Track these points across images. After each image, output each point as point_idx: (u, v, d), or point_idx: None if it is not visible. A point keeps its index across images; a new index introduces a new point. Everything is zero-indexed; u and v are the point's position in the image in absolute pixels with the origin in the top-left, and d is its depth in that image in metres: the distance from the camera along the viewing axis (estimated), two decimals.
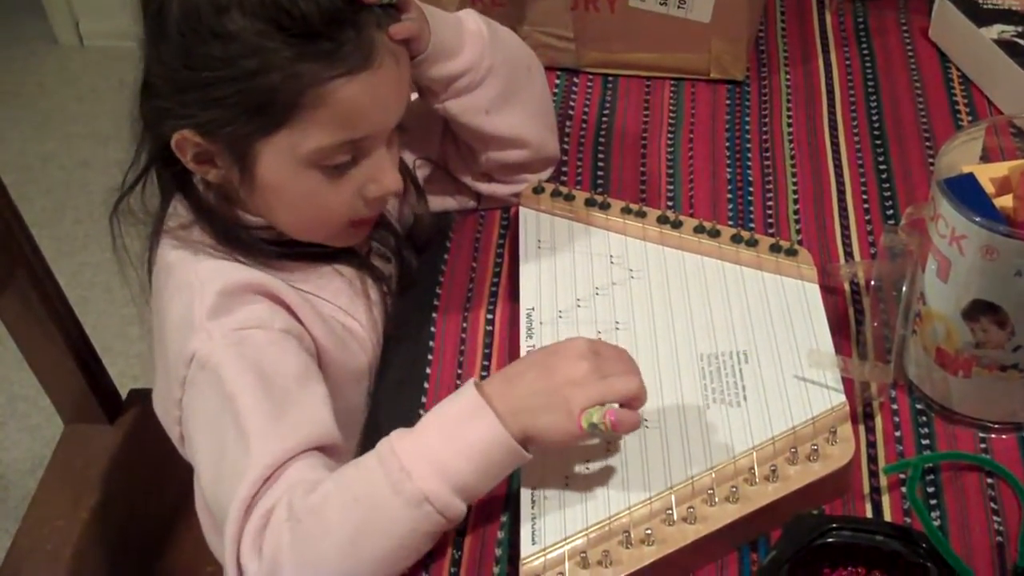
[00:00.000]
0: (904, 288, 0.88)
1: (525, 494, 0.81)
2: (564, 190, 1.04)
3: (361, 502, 0.74)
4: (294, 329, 0.86)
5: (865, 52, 1.22)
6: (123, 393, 1.31)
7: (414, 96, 0.95)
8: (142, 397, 1.24)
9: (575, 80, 1.22)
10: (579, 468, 0.82)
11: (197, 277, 0.86)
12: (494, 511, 0.83)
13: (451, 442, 0.75)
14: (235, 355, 0.82)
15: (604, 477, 0.81)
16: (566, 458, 0.82)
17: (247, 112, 0.81)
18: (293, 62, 0.80)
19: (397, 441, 0.76)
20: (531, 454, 0.77)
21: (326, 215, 0.89)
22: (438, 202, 1.06)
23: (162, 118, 0.84)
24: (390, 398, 0.94)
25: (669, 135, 1.15)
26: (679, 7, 1.15)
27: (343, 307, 0.93)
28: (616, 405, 0.77)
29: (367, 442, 0.90)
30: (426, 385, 0.93)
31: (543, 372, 0.78)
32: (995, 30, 1.14)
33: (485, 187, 1.06)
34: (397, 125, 0.88)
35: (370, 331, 0.95)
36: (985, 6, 1.17)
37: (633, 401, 0.78)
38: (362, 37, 0.82)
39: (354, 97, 0.82)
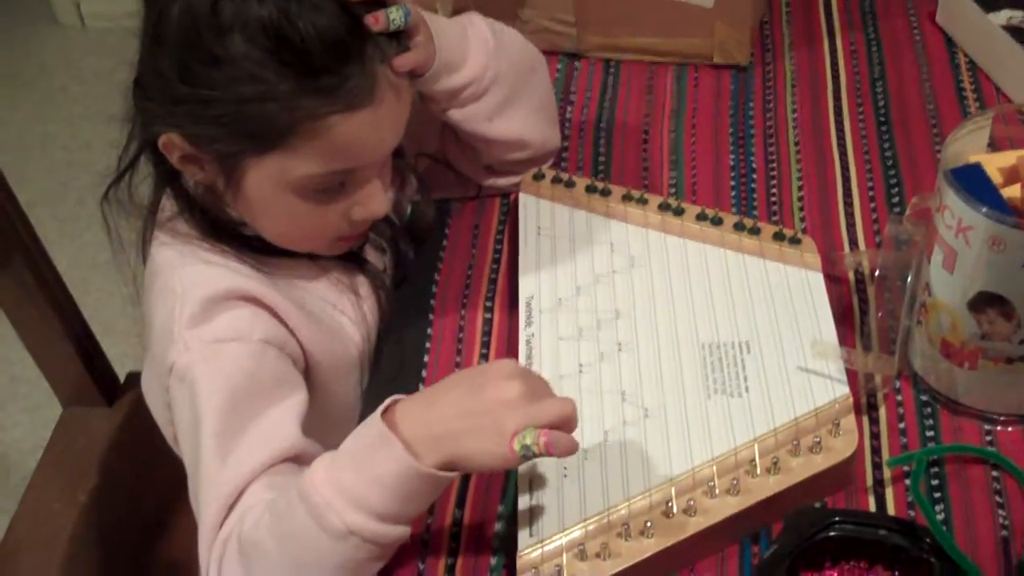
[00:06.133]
0: (909, 278, 0.87)
1: (522, 485, 0.80)
2: (565, 176, 1.03)
3: (292, 538, 0.72)
4: (275, 337, 0.85)
5: (871, 37, 1.21)
6: (123, 373, 1.30)
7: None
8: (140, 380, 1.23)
9: (576, 65, 1.21)
10: (577, 459, 0.81)
11: (180, 284, 0.85)
12: (491, 503, 0.82)
13: (362, 474, 0.71)
14: (209, 370, 0.81)
15: (603, 468, 0.80)
16: None
17: (239, 133, 0.80)
18: (292, 95, 0.77)
19: (317, 473, 0.72)
20: (456, 475, 0.73)
21: (309, 233, 0.88)
22: (438, 191, 1.05)
23: (152, 120, 0.83)
24: (386, 390, 0.92)
25: (671, 121, 1.13)
26: None
27: (332, 302, 0.92)
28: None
29: None
30: (424, 373, 0.92)
31: (470, 392, 0.73)
32: (1003, 16, 1.12)
33: (487, 180, 1.05)
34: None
35: (360, 325, 0.93)
36: None
37: (565, 425, 0.73)
38: (365, 72, 0.79)
39: (351, 132, 0.80)
